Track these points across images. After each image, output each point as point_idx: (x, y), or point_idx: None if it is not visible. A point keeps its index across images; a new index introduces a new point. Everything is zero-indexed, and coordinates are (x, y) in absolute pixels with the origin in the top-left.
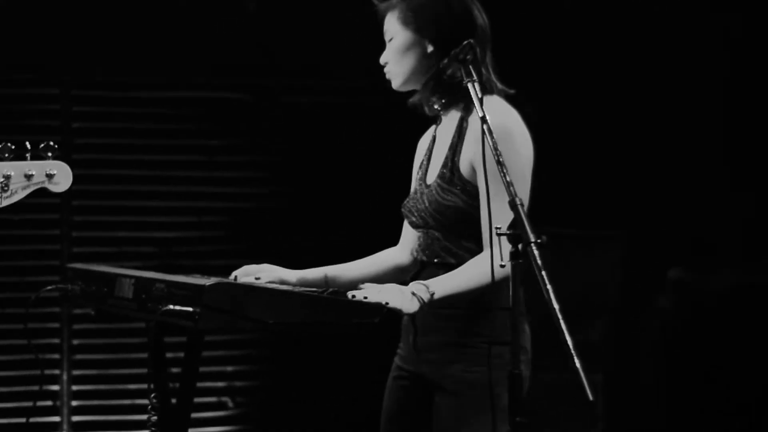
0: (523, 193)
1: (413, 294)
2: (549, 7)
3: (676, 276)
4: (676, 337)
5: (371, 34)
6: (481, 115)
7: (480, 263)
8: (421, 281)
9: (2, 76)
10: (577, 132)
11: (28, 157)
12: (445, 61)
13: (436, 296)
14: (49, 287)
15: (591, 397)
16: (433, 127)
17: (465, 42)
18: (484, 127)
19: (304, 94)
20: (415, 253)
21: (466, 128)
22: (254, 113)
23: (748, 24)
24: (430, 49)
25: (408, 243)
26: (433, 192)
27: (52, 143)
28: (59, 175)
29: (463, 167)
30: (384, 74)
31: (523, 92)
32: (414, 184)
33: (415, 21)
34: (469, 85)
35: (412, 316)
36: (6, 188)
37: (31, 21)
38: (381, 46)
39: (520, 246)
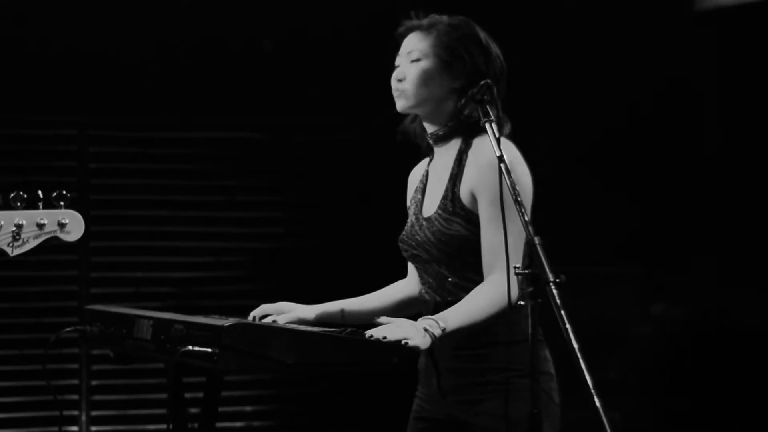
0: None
1: (425, 330)
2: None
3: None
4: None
5: (386, 71)
6: (498, 154)
7: (486, 292)
8: (431, 316)
9: (20, 116)
10: (594, 168)
11: (41, 206)
12: (463, 101)
13: (447, 330)
14: (68, 329)
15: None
16: (425, 162)
17: (483, 82)
18: (502, 166)
19: (322, 133)
20: (426, 296)
21: (465, 160)
22: (272, 152)
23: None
24: (457, 84)
25: (415, 275)
26: (435, 223)
27: (65, 192)
28: (71, 225)
29: (464, 196)
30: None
31: (538, 129)
32: (410, 219)
33: (448, 53)
34: (487, 125)
35: (434, 359)
36: (18, 237)
37: (48, 62)
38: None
39: (538, 285)
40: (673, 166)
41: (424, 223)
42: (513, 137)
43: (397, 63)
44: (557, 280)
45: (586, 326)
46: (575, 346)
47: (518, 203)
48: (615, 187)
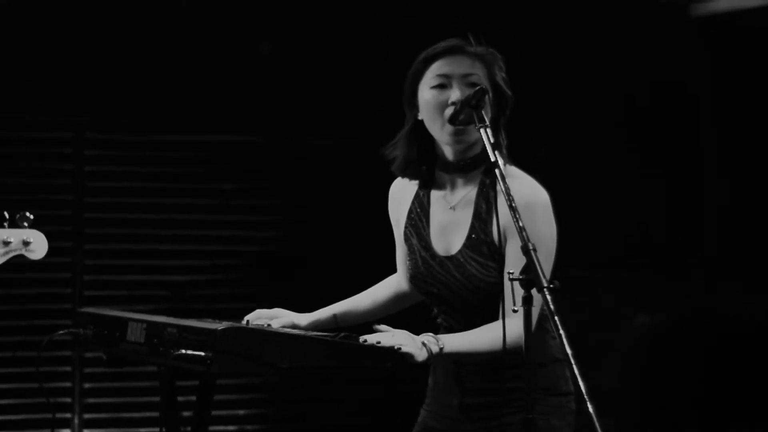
0: (548, 270)
1: (423, 344)
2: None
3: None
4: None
5: (386, 76)
6: (493, 159)
7: (495, 329)
8: (432, 334)
9: (16, 119)
10: (589, 173)
11: (6, 225)
12: (458, 106)
13: (444, 351)
14: (61, 331)
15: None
16: (410, 184)
17: (477, 88)
18: (497, 171)
19: (318, 137)
20: (447, 325)
21: (493, 198)
22: (267, 156)
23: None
24: (492, 114)
25: (405, 270)
26: (464, 264)
27: (27, 214)
28: (35, 244)
29: (497, 238)
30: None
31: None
32: (415, 252)
33: (499, 84)
34: (482, 131)
35: (459, 378)
36: None
37: (44, 64)
38: (396, 87)
39: (532, 291)
40: (669, 170)
41: (446, 261)
42: (511, 145)
43: (443, 81)
44: (551, 286)
45: (580, 331)
46: (569, 352)
47: (513, 209)
48: (611, 192)
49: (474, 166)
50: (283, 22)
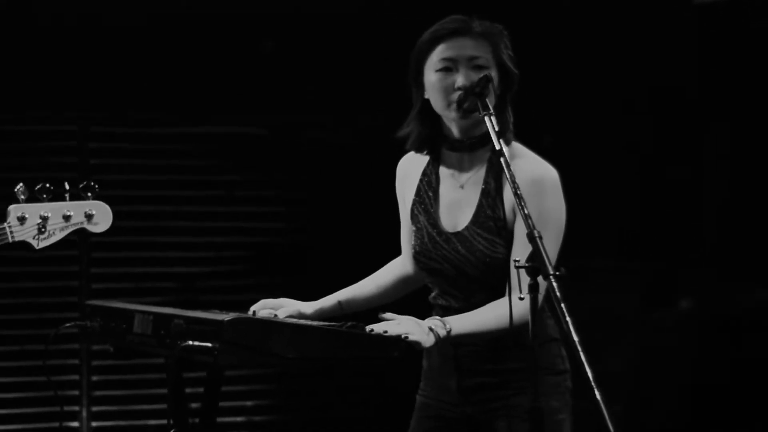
0: (557, 247)
1: (430, 329)
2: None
3: (687, 306)
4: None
5: (389, 70)
6: (498, 148)
7: (500, 306)
8: (438, 317)
9: (20, 112)
10: (595, 162)
11: (67, 197)
12: (462, 94)
13: (452, 333)
14: (68, 324)
15: (611, 428)
16: (419, 159)
17: (482, 75)
18: (501, 160)
19: (322, 130)
20: (444, 302)
21: (503, 176)
22: (272, 148)
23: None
24: (498, 93)
25: (410, 255)
26: (471, 240)
27: (93, 183)
28: (99, 216)
29: (509, 216)
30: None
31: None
32: (421, 228)
33: (506, 63)
34: (486, 118)
35: (457, 360)
36: (44, 229)
37: (48, 58)
38: (397, 82)
39: (539, 278)
40: (673, 159)
41: (453, 237)
42: (518, 134)
43: (448, 65)
44: (557, 274)
45: (588, 319)
46: (575, 339)
47: (518, 196)
48: (619, 181)
49: (481, 144)
50: (286, 17)
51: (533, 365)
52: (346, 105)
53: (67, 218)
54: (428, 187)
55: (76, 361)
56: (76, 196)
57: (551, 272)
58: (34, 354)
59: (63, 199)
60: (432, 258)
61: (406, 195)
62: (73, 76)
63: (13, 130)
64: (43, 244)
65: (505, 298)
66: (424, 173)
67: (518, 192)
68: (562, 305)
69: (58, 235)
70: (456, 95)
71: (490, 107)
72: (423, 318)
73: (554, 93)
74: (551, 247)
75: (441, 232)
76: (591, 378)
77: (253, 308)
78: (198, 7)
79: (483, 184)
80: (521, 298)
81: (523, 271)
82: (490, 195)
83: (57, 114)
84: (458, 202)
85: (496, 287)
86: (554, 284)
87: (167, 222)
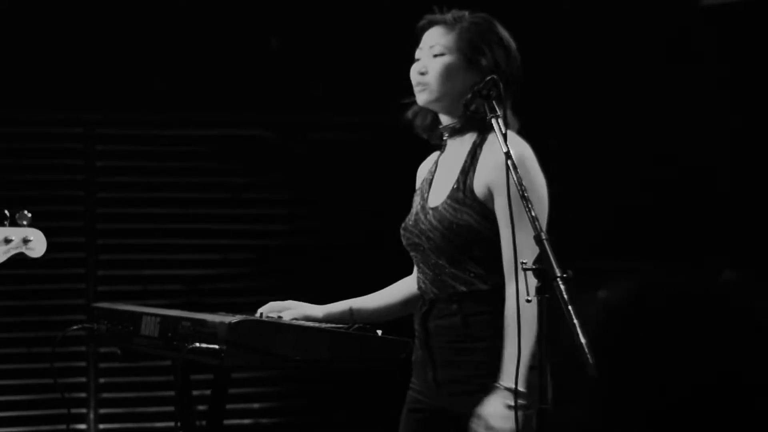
0: (544, 221)
1: (508, 407)
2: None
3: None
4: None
5: (395, 69)
6: (505, 150)
7: (512, 317)
8: (500, 386)
9: (26, 114)
10: (594, 163)
11: (7, 224)
12: (469, 96)
13: (520, 387)
14: (75, 326)
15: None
16: (434, 155)
17: (489, 78)
18: (509, 162)
19: (329, 131)
20: (423, 286)
21: (479, 154)
22: (279, 150)
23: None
24: (477, 80)
25: None
26: (443, 212)
27: (26, 212)
28: (35, 242)
29: (478, 188)
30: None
31: (545, 127)
32: (415, 207)
33: (471, 49)
34: (493, 121)
35: (431, 352)
36: None
37: (54, 60)
38: (404, 81)
39: (546, 280)
40: (679, 159)
41: (430, 211)
42: (523, 136)
43: (417, 56)
44: (564, 276)
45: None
46: (583, 341)
47: (525, 198)
48: (621, 183)
49: (467, 128)
50: (292, 16)
51: (539, 366)
52: (354, 105)
53: (8, 242)
54: (429, 174)
55: (83, 364)
56: (13, 222)
57: (558, 274)
58: (41, 356)
59: (3, 225)
60: (411, 232)
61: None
62: (80, 78)
63: (19, 132)
64: None
65: (509, 304)
66: (432, 165)
67: (525, 195)
68: (570, 307)
69: (2, 258)
70: (415, 79)
71: (498, 110)
72: None
73: (559, 97)
74: (543, 217)
75: (424, 207)
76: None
77: (260, 310)
78: (205, 9)
79: (462, 162)
80: (528, 301)
81: (530, 273)
82: (465, 171)
83: (63, 116)
84: (444, 181)
85: (462, 261)
86: (561, 286)
87: (174, 224)
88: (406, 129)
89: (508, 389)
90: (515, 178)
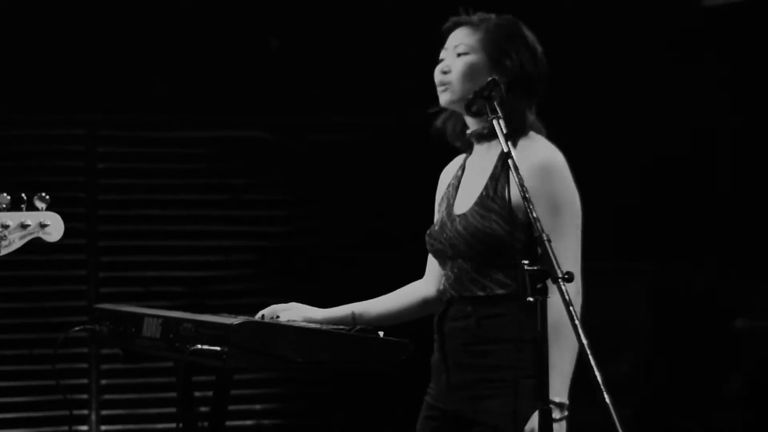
0: (578, 230)
1: (558, 420)
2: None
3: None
4: None
5: (397, 70)
6: (506, 150)
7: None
8: (553, 401)
9: (28, 116)
10: (594, 163)
11: (24, 208)
12: (471, 96)
13: (563, 399)
14: (77, 328)
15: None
16: (459, 159)
17: (490, 79)
18: (510, 162)
19: (329, 131)
20: (443, 293)
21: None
22: (280, 151)
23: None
24: (502, 81)
25: (433, 275)
26: (470, 219)
27: (44, 194)
28: (52, 226)
29: (515, 196)
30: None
31: (545, 127)
32: (439, 215)
33: (496, 49)
34: (494, 122)
35: (444, 354)
36: (5, 238)
37: (56, 62)
38: (406, 83)
39: (547, 281)
40: (682, 160)
41: (457, 218)
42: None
43: (441, 56)
44: (566, 276)
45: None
46: (584, 342)
47: (527, 200)
48: (621, 183)
49: (492, 135)
50: (292, 16)
51: (539, 367)
52: (354, 105)
53: (24, 227)
54: (455, 180)
55: (85, 365)
56: (31, 206)
57: (560, 275)
58: (43, 358)
59: (20, 209)
60: (435, 238)
61: (439, 200)
62: (81, 79)
63: (21, 134)
64: (4, 252)
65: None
66: (458, 169)
67: (527, 196)
68: (571, 308)
69: (18, 244)
70: (438, 78)
71: (499, 111)
72: None
73: (560, 97)
74: (571, 238)
75: (450, 214)
76: (600, 381)
77: (262, 312)
78: (205, 9)
79: (492, 168)
80: (530, 301)
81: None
82: (495, 177)
83: (65, 118)
84: (472, 188)
85: (485, 268)
86: (563, 287)
87: (176, 226)
88: (406, 129)
89: (557, 404)
90: (516, 179)
